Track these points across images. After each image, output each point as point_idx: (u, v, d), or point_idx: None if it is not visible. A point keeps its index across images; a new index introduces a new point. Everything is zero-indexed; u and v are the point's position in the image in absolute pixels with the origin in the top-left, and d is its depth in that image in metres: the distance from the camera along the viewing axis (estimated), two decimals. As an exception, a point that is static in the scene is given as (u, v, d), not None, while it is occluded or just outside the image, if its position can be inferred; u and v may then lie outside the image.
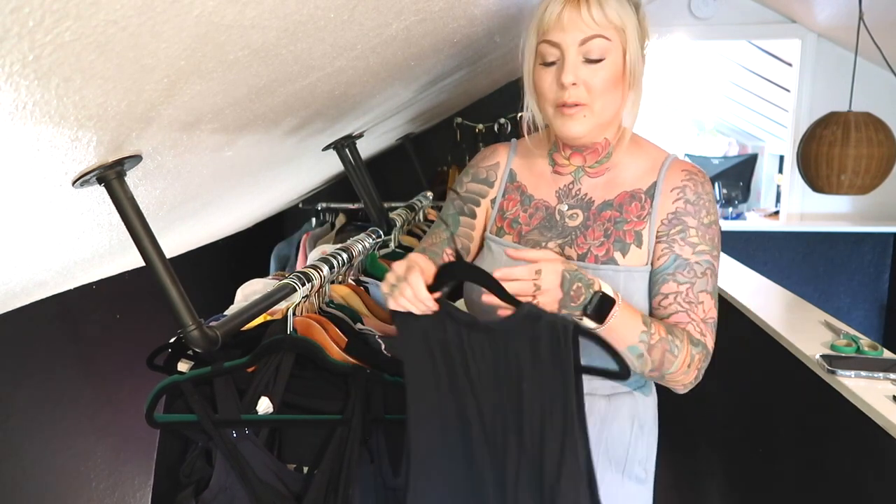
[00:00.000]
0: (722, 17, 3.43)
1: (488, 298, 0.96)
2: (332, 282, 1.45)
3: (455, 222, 1.22)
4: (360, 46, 0.93)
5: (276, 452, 1.20)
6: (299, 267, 2.15)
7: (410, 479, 1.00)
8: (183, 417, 1.16)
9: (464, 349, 0.97)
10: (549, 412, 0.93)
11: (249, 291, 1.47)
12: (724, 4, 3.42)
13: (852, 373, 1.43)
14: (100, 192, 0.76)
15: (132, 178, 0.81)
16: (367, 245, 1.60)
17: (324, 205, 2.66)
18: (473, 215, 1.21)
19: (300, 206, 2.80)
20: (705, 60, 5.10)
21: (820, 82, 3.45)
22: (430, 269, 0.98)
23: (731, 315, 2.04)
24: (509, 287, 0.94)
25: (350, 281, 1.58)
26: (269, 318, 1.28)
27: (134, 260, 1.45)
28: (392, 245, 1.86)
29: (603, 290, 0.98)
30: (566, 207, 1.14)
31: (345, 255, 1.43)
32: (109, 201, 0.76)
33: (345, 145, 1.69)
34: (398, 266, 0.98)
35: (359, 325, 1.34)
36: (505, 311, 0.95)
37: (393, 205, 2.14)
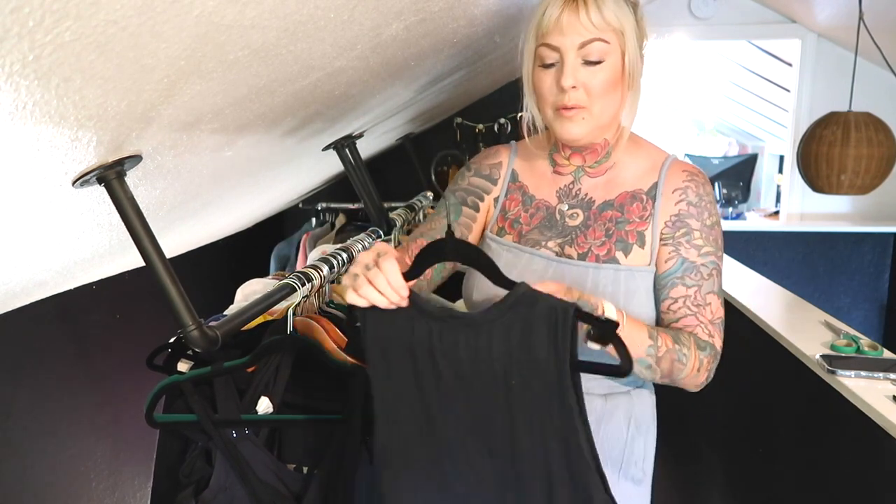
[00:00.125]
0: (722, 17, 3.43)
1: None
2: (332, 282, 1.44)
3: (457, 211, 1.20)
4: (360, 46, 0.93)
5: (276, 452, 1.19)
6: (299, 267, 2.15)
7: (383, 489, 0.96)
8: (183, 417, 1.16)
9: (433, 348, 0.90)
10: (545, 408, 0.88)
11: (249, 291, 1.47)
12: (724, 4, 3.42)
13: (852, 373, 1.43)
14: (100, 192, 0.76)
15: (132, 178, 0.81)
16: (367, 245, 1.60)
17: (324, 205, 2.66)
18: (476, 208, 1.20)
19: (300, 206, 2.80)
20: (705, 60, 5.10)
21: (820, 82, 3.45)
22: (402, 262, 0.90)
23: (731, 315, 2.01)
24: None
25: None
26: (269, 318, 1.28)
27: (134, 260, 1.45)
28: (392, 245, 1.86)
29: (606, 313, 0.95)
30: (566, 207, 1.14)
31: (345, 255, 1.43)
32: (109, 201, 0.76)
33: (345, 145, 1.69)
34: (365, 256, 0.91)
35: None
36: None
37: (393, 205, 2.14)
